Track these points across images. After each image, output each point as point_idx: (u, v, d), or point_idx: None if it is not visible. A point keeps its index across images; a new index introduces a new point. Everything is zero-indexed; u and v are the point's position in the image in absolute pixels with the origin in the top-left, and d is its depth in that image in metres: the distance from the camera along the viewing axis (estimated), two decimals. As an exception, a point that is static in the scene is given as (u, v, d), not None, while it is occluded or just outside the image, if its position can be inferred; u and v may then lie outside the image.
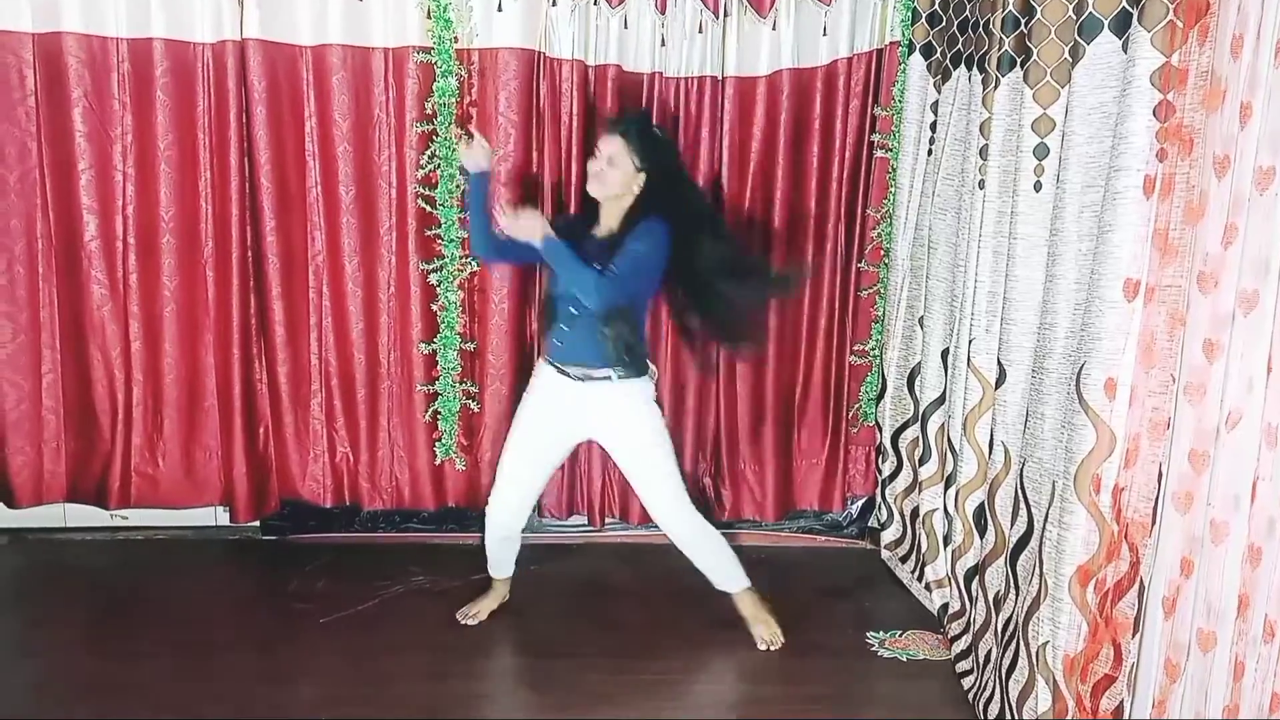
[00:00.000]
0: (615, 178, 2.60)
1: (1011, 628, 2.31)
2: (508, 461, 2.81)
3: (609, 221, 2.66)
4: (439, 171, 3.12)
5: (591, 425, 2.76)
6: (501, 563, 2.95)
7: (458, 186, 3.10)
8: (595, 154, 2.64)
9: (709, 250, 2.61)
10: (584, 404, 2.68)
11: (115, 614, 2.94)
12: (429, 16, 3.03)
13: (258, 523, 3.42)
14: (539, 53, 3.12)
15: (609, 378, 2.63)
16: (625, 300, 2.54)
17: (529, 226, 2.54)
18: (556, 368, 2.68)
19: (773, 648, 2.79)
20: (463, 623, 2.88)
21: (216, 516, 3.43)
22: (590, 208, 2.72)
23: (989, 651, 2.46)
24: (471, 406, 3.32)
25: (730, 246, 2.71)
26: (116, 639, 2.79)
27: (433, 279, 3.20)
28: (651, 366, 2.74)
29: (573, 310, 2.59)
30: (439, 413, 3.30)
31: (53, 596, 3.06)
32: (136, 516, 3.40)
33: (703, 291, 2.66)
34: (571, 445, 2.89)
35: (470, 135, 2.78)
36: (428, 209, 3.15)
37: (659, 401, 2.77)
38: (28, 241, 3.13)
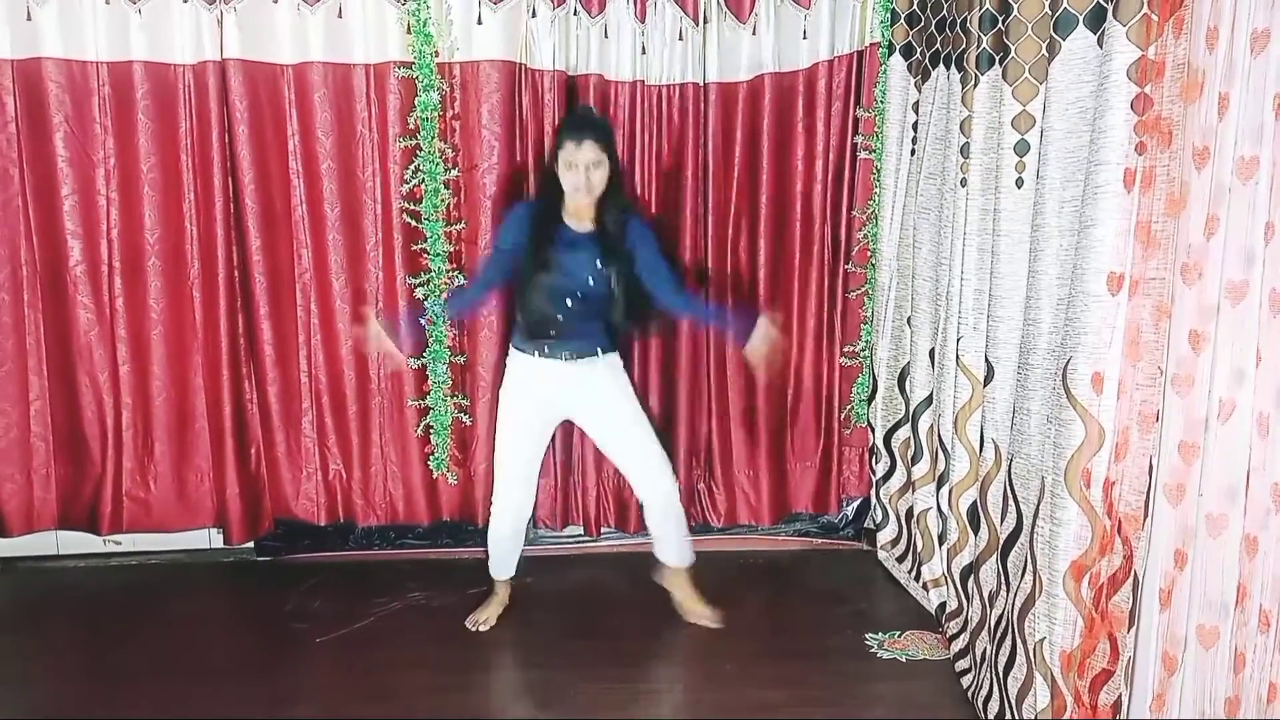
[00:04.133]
0: (600, 178, 2.63)
1: (1004, 624, 2.31)
2: (509, 464, 2.85)
3: (580, 214, 2.68)
4: (423, 186, 3.11)
5: (576, 402, 2.84)
6: (507, 564, 2.98)
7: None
8: (571, 166, 2.59)
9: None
10: (570, 384, 2.77)
11: (110, 640, 2.92)
12: (409, 31, 3.04)
13: (252, 544, 3.40)
14: (520, 64, 3.13)
15: (596, 353, 2.75)
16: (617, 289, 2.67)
17: None
18: (545, 355, 2.73)
19: (710, 624, 2.93)
20: (472, 630, 2.90)
21: (210, 539, 3.42)
22: (547, 192, 2.77)
23: (985, 649, 2.45)
24: (463, 420, 3.31)
25: None
26: (112, 665, 2.77)
27: (420, 293, 3.19)
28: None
29: (569, 303, 2.66)
30: (431, 427, 3.29)
31: (47, 625, 3.04)
32: (129, 541, 3.39)
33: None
34: (555, 427, 2.96)
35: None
36: (413, 224, 3.15)
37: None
38: (12, 268, 3.12)
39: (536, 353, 2.74)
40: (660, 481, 2.84)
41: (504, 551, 2.95)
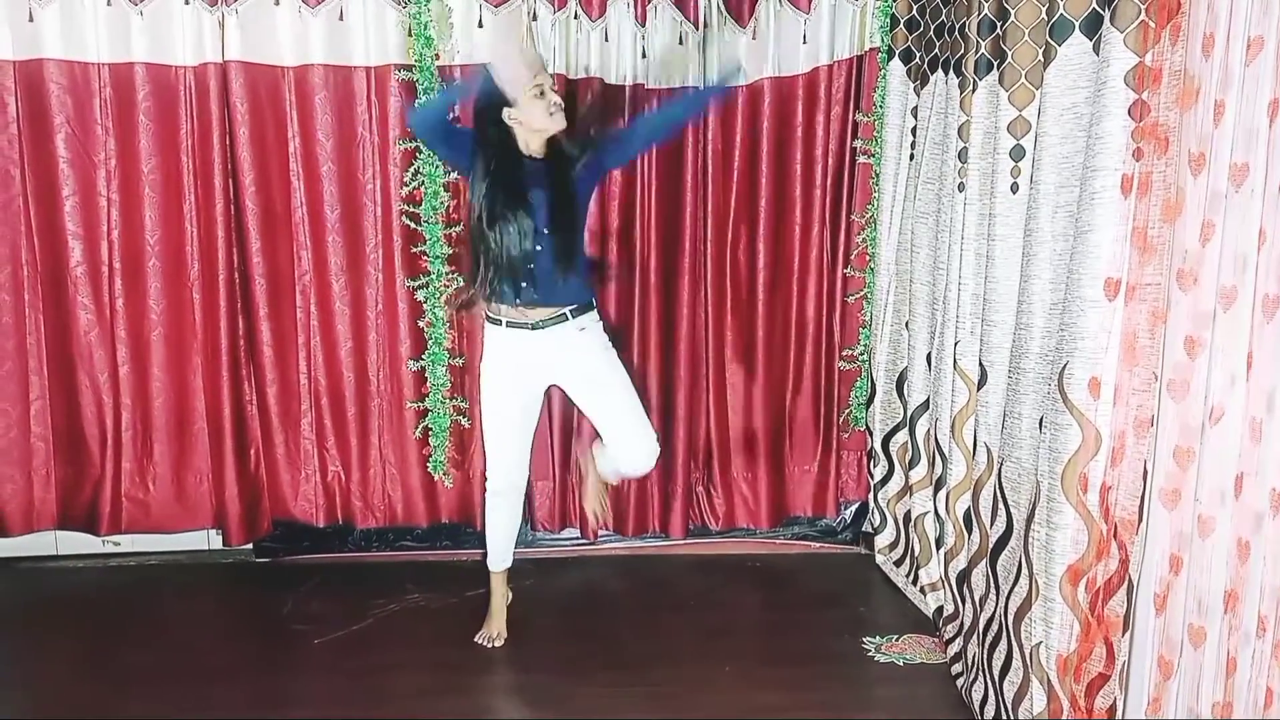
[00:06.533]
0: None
1: (995, 628, 2.31)
2: (493, 444, 2.79)
3: (534, 149, 2.61)
4: (423, 189, 3.12)
5: (556, 370, 2.74)
6: (503, 552, 2.89)
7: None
8: (543, 91, 2.55)
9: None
10: (544, 351, 2.67)
11: (109, 641, 2.92)
12: (410, 34, 3.05)
13: (251, 545, 3.41)
14: (520, 67, 3.13)
15: (564, 318, 2.64)
16: (578, 223, 2.65)
17: None
18: (510, 323, 2.65)
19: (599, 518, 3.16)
20: (487, 646, 2.83)
21: (209, 540, 3.43)
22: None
23: (975, 653, 2.46)
24: (462, 422, 3.31)
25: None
26: (110, 666, 2.77)
27: (419, 295, 3.20)
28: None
29: (530, 265, 2.57)
30: (429, 429, 3.30)
31: (45, 625, 3.04)
32: (128, 542, 3.39)
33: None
34: (543, 396, 2.85)
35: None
36: (413, 226, 3.16)
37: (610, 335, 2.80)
38: (13, 269, 3.13)
39: (505, 321, 2.66)
40: (635, 460, 2.78)
41: (500, 537, 2.86)
